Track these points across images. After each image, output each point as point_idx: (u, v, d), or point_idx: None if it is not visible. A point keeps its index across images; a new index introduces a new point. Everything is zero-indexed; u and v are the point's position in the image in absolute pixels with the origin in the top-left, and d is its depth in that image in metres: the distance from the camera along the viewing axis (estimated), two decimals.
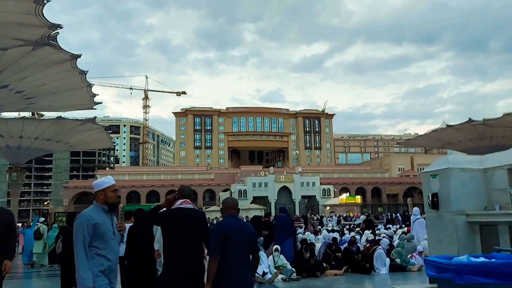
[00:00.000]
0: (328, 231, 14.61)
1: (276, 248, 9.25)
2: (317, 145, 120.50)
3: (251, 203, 48.78)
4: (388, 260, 9.66)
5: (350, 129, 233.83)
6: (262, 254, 8.92)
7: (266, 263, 8.72)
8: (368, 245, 10.44)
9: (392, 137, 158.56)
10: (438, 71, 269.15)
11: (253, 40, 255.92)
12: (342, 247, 10.28)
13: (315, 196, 51.04)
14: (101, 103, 34.23)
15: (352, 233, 14.08)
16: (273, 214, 41.81)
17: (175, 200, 4.34)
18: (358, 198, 44.27)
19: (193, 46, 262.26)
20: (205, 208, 47.23)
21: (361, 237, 13.28)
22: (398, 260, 9.99)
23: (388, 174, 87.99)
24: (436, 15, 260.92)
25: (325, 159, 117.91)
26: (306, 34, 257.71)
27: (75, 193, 68.71)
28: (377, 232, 14.65)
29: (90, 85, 28.94)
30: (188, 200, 4.37)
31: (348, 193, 53.05)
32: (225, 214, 3.99)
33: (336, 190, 55.14)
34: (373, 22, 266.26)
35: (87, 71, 26.92)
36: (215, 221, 38.11)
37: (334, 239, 11.17)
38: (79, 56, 25.04)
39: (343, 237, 12.27)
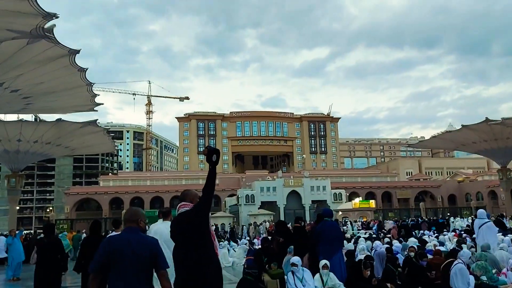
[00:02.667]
0: (366, 239, 12.63)
1: (325, 264, 7.15)
2: (323, 149, 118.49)
3: (259, 208, 46.91)
4: (472, 278, 7.36)
5: (353, 134, 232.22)
6: (306, 271, 7.05)
7: (311, 284, 6.80)
8: (432, 257, 8.21)
9: (398, 140, 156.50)
10: (440, 75, 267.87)
11: (254, 46, 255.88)
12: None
13: (325, 200, 48.97)
14: (102, 104, 32.57)
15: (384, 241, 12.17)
16: (281, 220, 39.86)
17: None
18: (372, 203, 42.33)
19: (194, 52, 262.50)
20: (211, 214, 45.38)
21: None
22: (484, 278, 7.54)
23: (397, 178, 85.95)
24: (437, 19, 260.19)
25: (331, 164, 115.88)
26: (307, 39, 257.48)
27: (77, 200, 66.96)
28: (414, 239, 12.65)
29: (90, 84, 27.20)
30: (184, 203, 4.23)
31: (360, 197, 51.08)
32: (124, 227, 3.71)
33: (347, 194, 53.19)
34: (374, 27, 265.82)
35: (87, 68, 25.20)
36: (219, 227, 36.29)
37: (389, 250, 8.98)
38: (78, 51, 23.28)
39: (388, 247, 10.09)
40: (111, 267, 3.43)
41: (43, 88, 25.36)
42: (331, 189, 50.84)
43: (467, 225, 20.19)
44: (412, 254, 8.20)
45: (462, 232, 15.22)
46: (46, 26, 19.20)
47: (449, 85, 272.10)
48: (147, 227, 6.60)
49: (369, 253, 9.04)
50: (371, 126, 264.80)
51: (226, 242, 18.22)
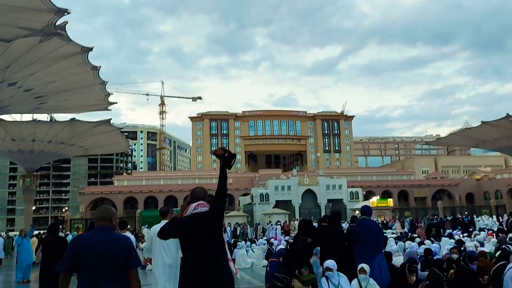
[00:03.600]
0: (395, 239, 11.85)
1: (362, 268, 6.34)
2: (337, 148, 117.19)
3: (273, 207, 46.27)
4: None
5: (366, 133, 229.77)
6: (342, 276, 6.38)
7: None
8: (477, 260, 7.32)
9: (413, 138, 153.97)
10: (455, 72, 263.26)
11: (264, 44, 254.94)
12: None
13: (342, 199, 48.11)
14: (116, 103, 32.35)
15: (414, 242, 11.34)
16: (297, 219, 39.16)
17: (189, 205, 4.11)
18: (390, 201, 41.35)
19: (205, 52, 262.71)
20: (224, 213, 44.82)
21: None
22: None
23: (413, 177, 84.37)
24: (450, 15, 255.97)
25: (345, 162, 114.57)
26: (318, 37, 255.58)
27: (91, 200, 67.25)
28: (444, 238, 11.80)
29: (103, 82, 26.96)
30: (202, 202, 4.09)
31: (377, 196, 50.04)
32: (96, 225, 3.59)
33: (363, 193, 52.14)
34: (387, 24, 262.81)
35: (100, 66, 24.93)
36: (232, 227, 35.60)
37: (428, 251, 8.09)
38: (91, 49, 22.97)
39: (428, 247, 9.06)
40: (81, 267, 3.34)
41: (56, 87, 25.14)
42: (347, 188, 49.90)
43: (500, 223, 19.27)
44: (455, 256, 7.44)
45: (493, 231, 14.36)
46: (58, 23, 18.89)
47: (464, 82, 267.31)
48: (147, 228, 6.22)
49: (412, 250, 8.27)
50: (384, 124, 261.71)
51: (243, 242, 17.66)
